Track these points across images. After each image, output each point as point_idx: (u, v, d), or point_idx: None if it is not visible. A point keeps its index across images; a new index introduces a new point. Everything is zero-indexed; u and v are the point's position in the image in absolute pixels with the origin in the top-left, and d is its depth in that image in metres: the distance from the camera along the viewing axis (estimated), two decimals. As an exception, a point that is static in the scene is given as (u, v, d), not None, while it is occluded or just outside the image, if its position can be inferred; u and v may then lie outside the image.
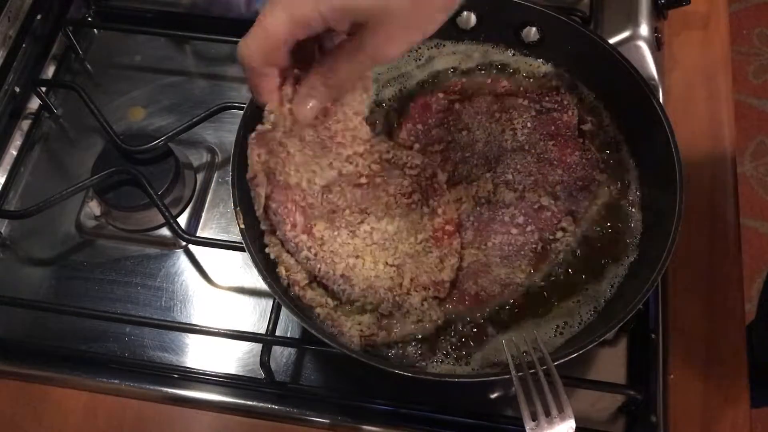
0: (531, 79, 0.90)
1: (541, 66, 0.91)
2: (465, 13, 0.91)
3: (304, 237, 0.77)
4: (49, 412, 0.84)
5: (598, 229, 0.82)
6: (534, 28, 0.90)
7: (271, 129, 0.69)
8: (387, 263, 0.78)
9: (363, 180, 0.79)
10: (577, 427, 0.81)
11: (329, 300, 0.77)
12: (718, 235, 0.93)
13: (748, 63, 2.38)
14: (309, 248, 0.76)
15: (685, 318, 0.87)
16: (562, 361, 0.70)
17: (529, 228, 0.80)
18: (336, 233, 0.78)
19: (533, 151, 0.84)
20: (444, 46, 0.93)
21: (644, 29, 0.96)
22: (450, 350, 0.77)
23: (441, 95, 0.89)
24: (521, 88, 0.88)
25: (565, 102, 0.87)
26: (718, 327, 0.87)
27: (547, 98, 0.87)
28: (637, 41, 0.96)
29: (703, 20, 1.08)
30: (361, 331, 0.76)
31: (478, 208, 0.82)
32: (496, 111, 0.86)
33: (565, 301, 0.79)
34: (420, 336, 0.76)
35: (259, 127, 0.70)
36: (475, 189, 0.82)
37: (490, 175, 0.83)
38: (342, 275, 0.76)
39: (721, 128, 1.00)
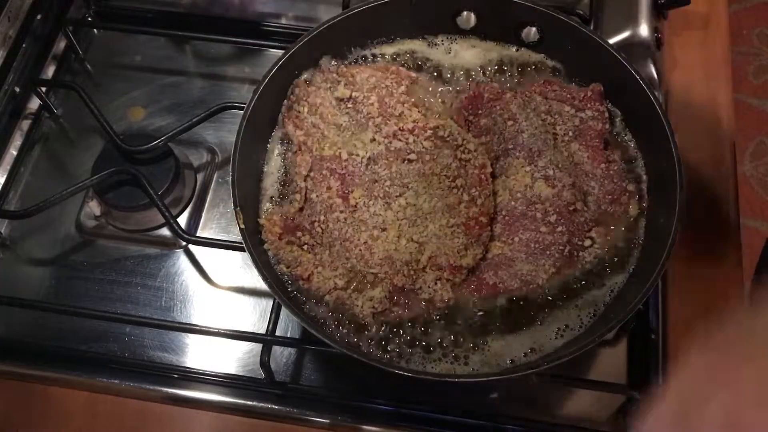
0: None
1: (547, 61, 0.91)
2: (465, 12, 0.91)
3: (339, 200, 0.81)
4: (49, 412, 0.84)
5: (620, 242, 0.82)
6: (534, 29, 0.90)
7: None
8: (411, 239, 0.80)
9: (412, 156, 0.84)
10: (577, 427, 0.81)
11: (338, 281, 0.78)
12: (718, 235, 0.93)
13: (748, 63, 2.38)
14: (341, 211, 0.81)
15: (685, 318, 0.87)
16: (563, 360, 0.70)
17: (559, 228, 0.80)
18: (372, 202, 0.82)
19: (572, 159, 0.84)
20: (456, 41, 0.93)
21: (644, 29, 0.96)
22: (450, 347, 0.77)
23: (496, 85, 0.89)
24: (569, 96, 0.87)
25: (603, 110, 0.86)
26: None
27: (588, 106, 0.86)
28: (637, 41, 0.96)
29: (703, 20, 1.08)
30: (374, 307, 0.77)
31: (512, 203, 0.82)
32: (542, 112, 0.86)
33: (566, 306, 0.79)
34: (427, 318, 0.77)
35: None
36: (513, 183, 0.82)
37: (530, 169, 0.83)
38: (365, 242, 0.79)
39: (721, 128, 1.00)
